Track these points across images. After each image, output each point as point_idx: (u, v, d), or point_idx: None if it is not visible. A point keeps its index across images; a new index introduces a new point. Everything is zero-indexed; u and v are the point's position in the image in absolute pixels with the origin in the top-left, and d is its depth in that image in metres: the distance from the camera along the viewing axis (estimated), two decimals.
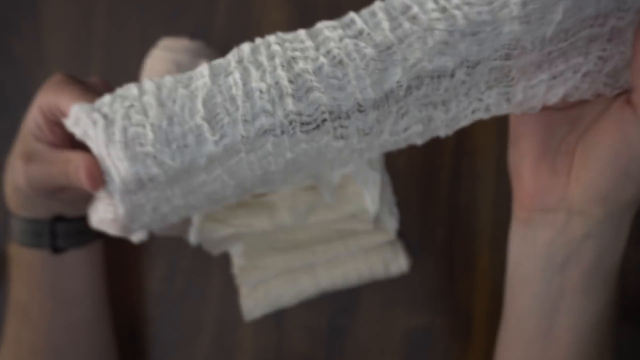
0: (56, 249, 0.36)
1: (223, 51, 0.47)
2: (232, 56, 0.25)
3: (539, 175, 0.29)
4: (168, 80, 0.25)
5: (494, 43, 0.23)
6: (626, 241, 0.29)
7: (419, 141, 0.28)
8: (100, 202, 0.28)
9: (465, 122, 0.27)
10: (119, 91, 0.26)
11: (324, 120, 0.24)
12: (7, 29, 0.49)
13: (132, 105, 0.25)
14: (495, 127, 0.46)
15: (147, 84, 0.25)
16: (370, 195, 0.41)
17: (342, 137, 0.25)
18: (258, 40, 0.25)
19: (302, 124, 0.24)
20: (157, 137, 0.24)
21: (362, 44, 0.23)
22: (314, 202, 0.42)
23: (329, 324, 0.46)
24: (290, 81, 0.23)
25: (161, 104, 0.24)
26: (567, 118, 0.28)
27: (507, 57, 0.24)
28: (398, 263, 0.44)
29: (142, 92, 0.25)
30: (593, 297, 0.29)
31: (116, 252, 0.47)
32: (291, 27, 0.48)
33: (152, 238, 0.47)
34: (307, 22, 0.48)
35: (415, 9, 0.23)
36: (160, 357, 0.47)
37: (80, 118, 0.26)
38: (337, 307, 0.46)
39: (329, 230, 0.45)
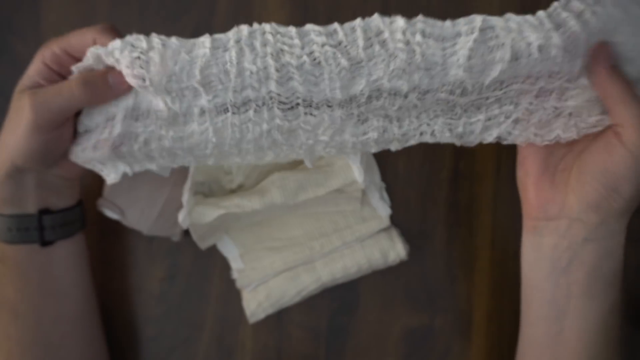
0: (44, 242, 0.37)
1: None
2: (232, 34, 0.28)
3: (541, 188, 0.34)
4: (174, 42, 0.28)
5: (442, 79, 0.28)
6: (623, 249, 0.32)
7: (374, 149, 0.32)
8: (91, 133, 0.32)
9: (413, 142, 0.32)
10: (129, 39, 0.29)
11: (298, 104, 0.29)
12: (9, 30, 0.49)
13: (138, 57, 0.28)
14: None
15: (155, 40, 0.29)
16: (353, 163, 0.42)
17: (310, 123, 0.30)
18: (255, 26, 0.29)
19: (280, 102, 0.29)
20: (157, 89, 0.28)
21: (339, 55, 0.27)
22: (302, 180, 0.42)
23: (329, 324, 0.46)
24: (277, 70, 0.28)
25: (163, 62, 0.28)
26: (564, 142, 0.32)
27: (452, 92, 0.29)
28: (396, 250, 0.44)
29: (149, 46, 0.28)
30: (597, 301, 0.32)
31: (116, 252, 0.47)
32: None
33: (153, 238, 0.47)
34: (307, 23, 0.48)
35: (386, 35, 0.27)
36: (160, 357, 0.47)
37: (99, 56, 0.30)
38: (337, 307, 0.47)
39: (323, 222, 0.45)
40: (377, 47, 0.27)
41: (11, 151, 0.33)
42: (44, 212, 0.36)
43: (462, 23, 0.27)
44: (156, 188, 0.42)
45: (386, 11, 0.48)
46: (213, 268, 0.47)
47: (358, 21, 0.28)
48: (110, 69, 0.30)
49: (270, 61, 0.28)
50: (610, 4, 0.27)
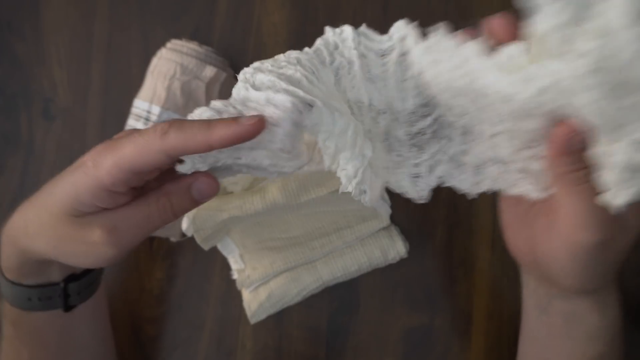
0: (68, 308, 0.34)
1: (224, 52, 0.47)
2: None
3: (511, 237, 0.31)
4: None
5: (387, 97, 0.29)
6: (604, 310, 0.30)
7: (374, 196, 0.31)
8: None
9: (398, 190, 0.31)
10: (196, 159, 0.27)
11: None
12: (9, 30, 0.49)
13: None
14: None
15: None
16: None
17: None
18: (257, 63, 0.28)
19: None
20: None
21: (326, 70, 0.28)
22: (304, 180, 0.42)
23: (329, 324, 0.46)
24: (305, 77, 0.27)
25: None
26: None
27: (396, 119, 0.29)
28: (396, 248, 0.44)
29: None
30: (580, 345, 0.30)
31: None
32: (291, 27, 0.48)
33: (153, 238, 0.47)
34: (307, 23, 0.48)
35: (340, 45, 0.29)
36: (160, 357, 0.47)
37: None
38: (337, 307, 0.47)
39: (324, 222, 0.45)
40: (338, 58, 0.29)
41: (51, 254, 0.29)
42: (69, 279, 0.33)
43: (394, 32, 0.28)
44: None
45: (386, 11, 0.48)
46: (213, 268, 0.47)
47: (318, 40, 0.29)
48: (195, 178, 0.28)
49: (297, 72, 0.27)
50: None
